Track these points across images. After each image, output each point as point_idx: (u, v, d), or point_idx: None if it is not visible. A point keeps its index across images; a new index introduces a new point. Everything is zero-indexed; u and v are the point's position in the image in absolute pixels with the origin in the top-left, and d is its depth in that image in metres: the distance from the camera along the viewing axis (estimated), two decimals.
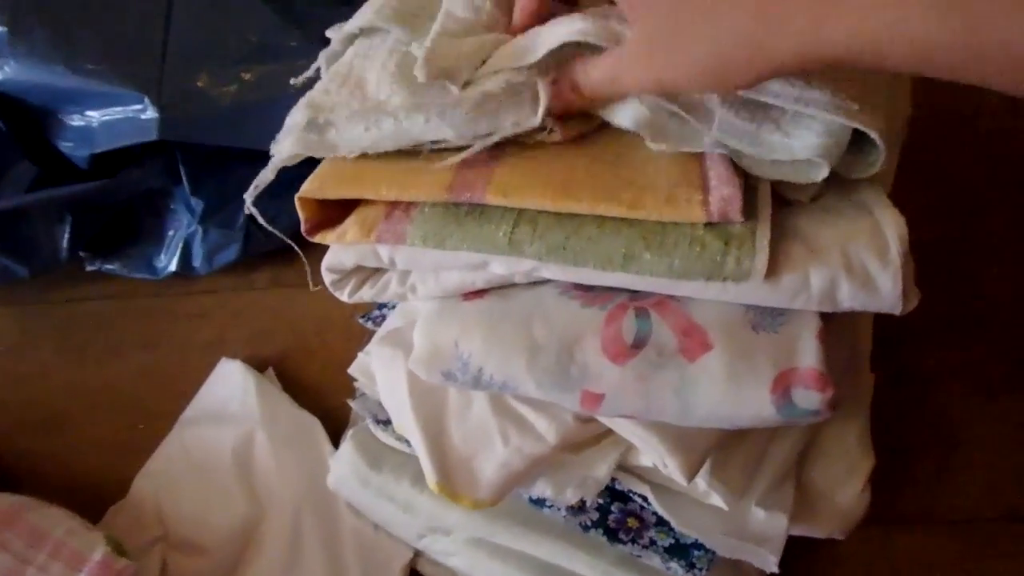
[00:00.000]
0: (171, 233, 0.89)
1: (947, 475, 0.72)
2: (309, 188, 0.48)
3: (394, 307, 0.68)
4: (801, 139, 0.42)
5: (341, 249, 0.51)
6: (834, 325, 0.47)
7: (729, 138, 0.43)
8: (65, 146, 0.83)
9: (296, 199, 0.48)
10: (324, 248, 0.52)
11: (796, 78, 0.41)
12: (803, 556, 0.59)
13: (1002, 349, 0.77)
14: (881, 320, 0.65)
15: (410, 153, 0.48)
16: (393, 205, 0.48)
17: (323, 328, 0.89)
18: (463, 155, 0.45)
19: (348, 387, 0.71)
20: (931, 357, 0.76)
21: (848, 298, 0.44)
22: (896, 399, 0.69)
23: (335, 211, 0.50)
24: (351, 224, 0.49)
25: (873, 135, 0.42)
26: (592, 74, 0.44)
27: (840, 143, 0.43)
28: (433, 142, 0.46)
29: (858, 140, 0.43)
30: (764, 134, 0.43)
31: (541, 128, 0.46)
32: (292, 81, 0.55)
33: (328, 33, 0.57)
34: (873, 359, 0.66)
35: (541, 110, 0.44)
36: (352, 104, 0.46)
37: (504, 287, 0.51)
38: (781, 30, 0.36)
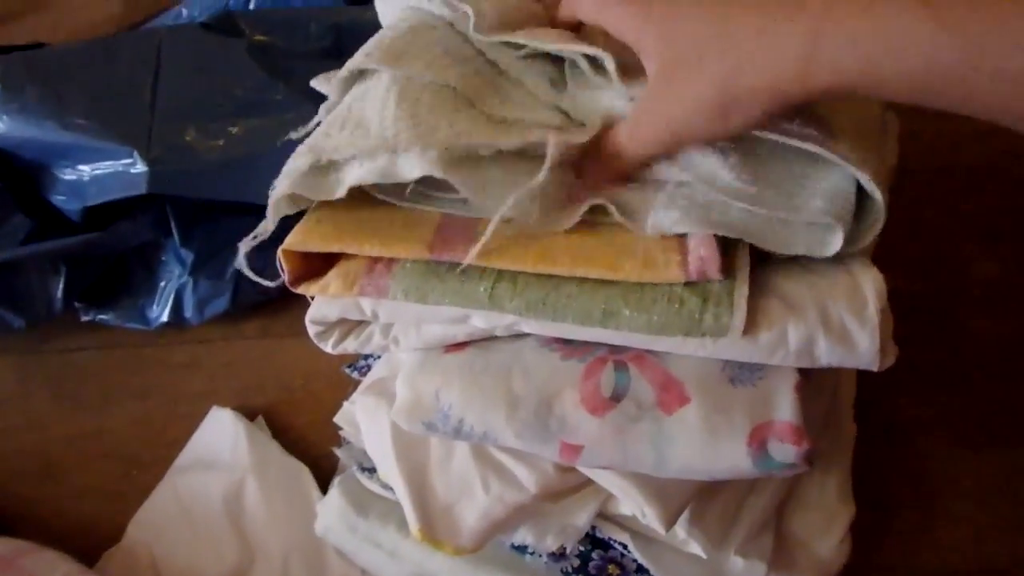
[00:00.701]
0: (163, 284, 0.90)
1: (928, 527, 0.72)
2: (292, 241, 0.49)
3: (379, 357, 0.69)
4: (807, 200, 0.44)
5: (325, 302, 0.52)
6: (815, 376, 0.49)
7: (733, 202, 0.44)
8: (58, 200, 0.85)
9: (279, 252, 0.49)
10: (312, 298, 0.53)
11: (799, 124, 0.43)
12: None
13: (984, 402, 0.77)
14: (863, 372, 0.66)
15: (394, 207, 0.49)
16: (375, 259, 0.49)
17: (311, 378, 0.90)
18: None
19: (335, 436, 0.72)
20: (913, 409, 0.77)
21: (826, 354, 0.45)
22: (877, 451, 0.69)
23: (318, 263, 0.51)
24: (333, 277, 0.50)
25: (874, 189, 0.43)
26: (619, 136, 0.45)
27: (848, 199, 0.44)
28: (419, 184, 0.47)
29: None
30: (769, 195, 0.44)
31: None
32: (292, 135, 0.56)
33: (313, 83, 0.59)
34: (855, 411, 0.67)
35: (545, 169, 0.45)
36: (357, 143, 0.46)
37: (485, 339, 0.52)
38: (780, 55, 0.37)
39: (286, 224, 0.50)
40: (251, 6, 0.91)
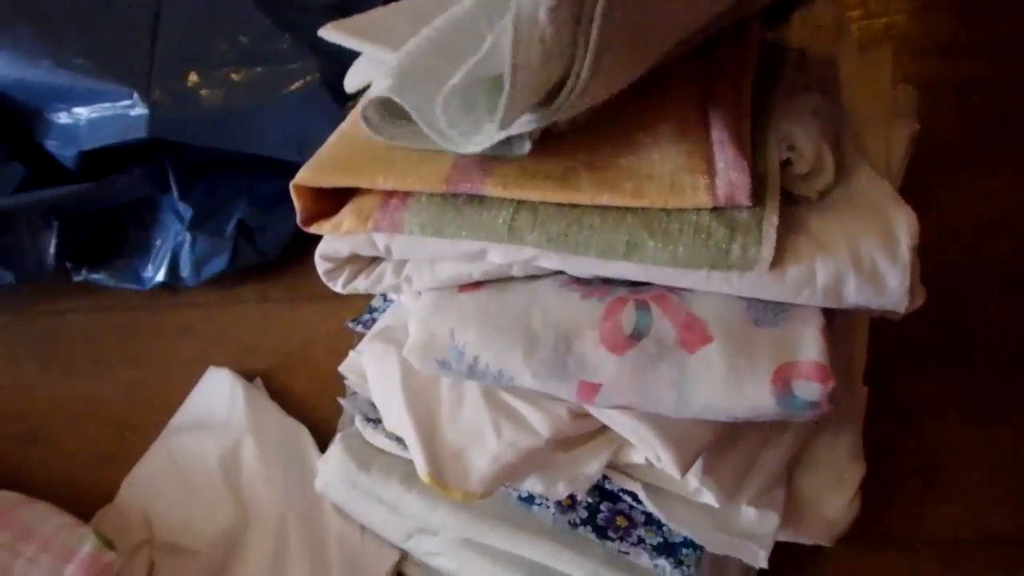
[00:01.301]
0: (159, 243, 0.88)
1: (932, 498, 0.72)
2: (304, 176, 0.47)
3: (384, 312, 0.68)
4: None
5: (336, 238, 0.50)
6: (833, 330, 0.48)
7: None
8: (52, 145, 0.83)
9: (291, 187, 0.48)
10: (312, 263, 0.52)
11: None
12: (784, 565, 0.60)
13: (990, 379, 0.77)
14: (871, 346, 0.66)
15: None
16: (390, 194, 0.48)
17: (309, 343, 0.89)
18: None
19: (333, 401, 0.71)
20: (920, 384, 0.77)
21: (854, 293, 0.44)
22: (884, 424, 0.69)
23: (330, 202, 0.49)
24: (347, 213, 0.48)
25: None
26: None
27: None
28: None
29: None
30: None
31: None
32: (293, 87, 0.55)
33: (322, 32, 0.58)
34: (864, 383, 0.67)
35: None
36: None
37: (500, 280, 0.51)
38: None
39: (287, 182, 0.49)
40: None
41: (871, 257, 0.43)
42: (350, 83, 0.60)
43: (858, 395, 0.65)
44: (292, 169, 0.60)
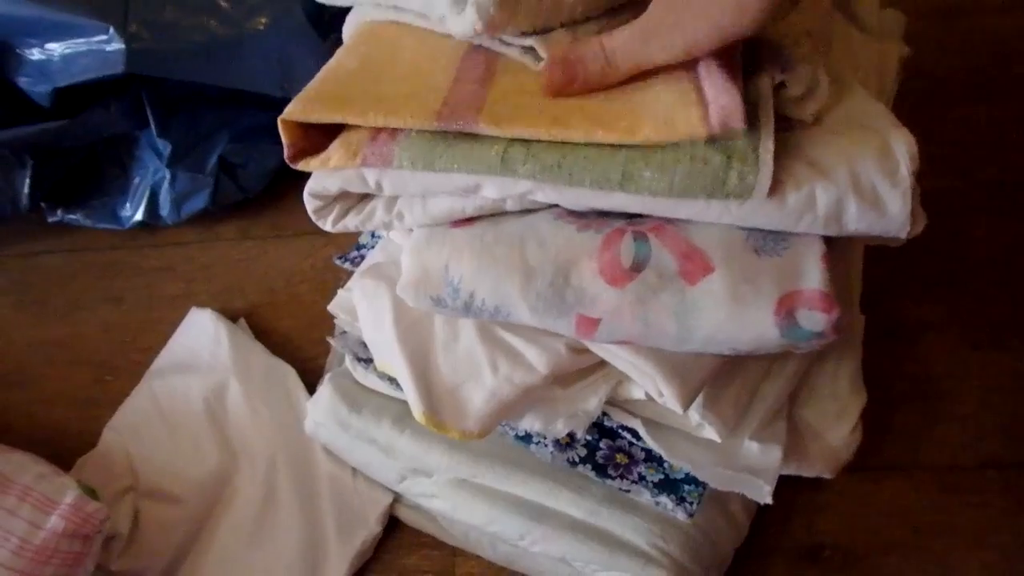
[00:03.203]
0: (137, 181, 0.86)
1: (930, 425, 0.73)
2: (292, 110, 0.46)
3: (372, 248, 0.66)
4: None
5: (325, 174, 0.49)
6: (832, 258, 0.47)
7: None
8: (24, 82, 0.80)
9: (279, 122, 0.46)
10: (295, 199, 0.50)
11: None
12: (786, 499, 0.59)
13: (987, 303, 0.77)
14: (866, 272, 0.66)
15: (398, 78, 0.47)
16: (379, 128, 0.46)
17: (293, 281, 0.87)
18: None
19: (320, 340, 0.70)
20: (916, 309, 0.77)
21: (855, 219, 0.43)
22: (881, 351, 0.69)
23: (319, 138, 0.48)
24: (335, 148, 0.47)
25: None
26: (617, 38, 0.43)
27: None
28: None
29: None
30: None
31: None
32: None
33: None
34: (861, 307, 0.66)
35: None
36: None
37: (495, 215, 0.50)
38: None
39: (274, 118, 0.47)
40: None
41: (871, 181, 0.42)
42: None
43: (856, 324, 0.65)
44: (274, 103, 0.58)
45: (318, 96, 0.47)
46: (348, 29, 0.58)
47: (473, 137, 0.44)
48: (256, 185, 0.87)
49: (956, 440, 0.71)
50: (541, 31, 0.46)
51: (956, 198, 0.83)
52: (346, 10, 0.58)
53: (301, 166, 0.48)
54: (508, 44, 0.47)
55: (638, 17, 0.42)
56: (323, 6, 0.59)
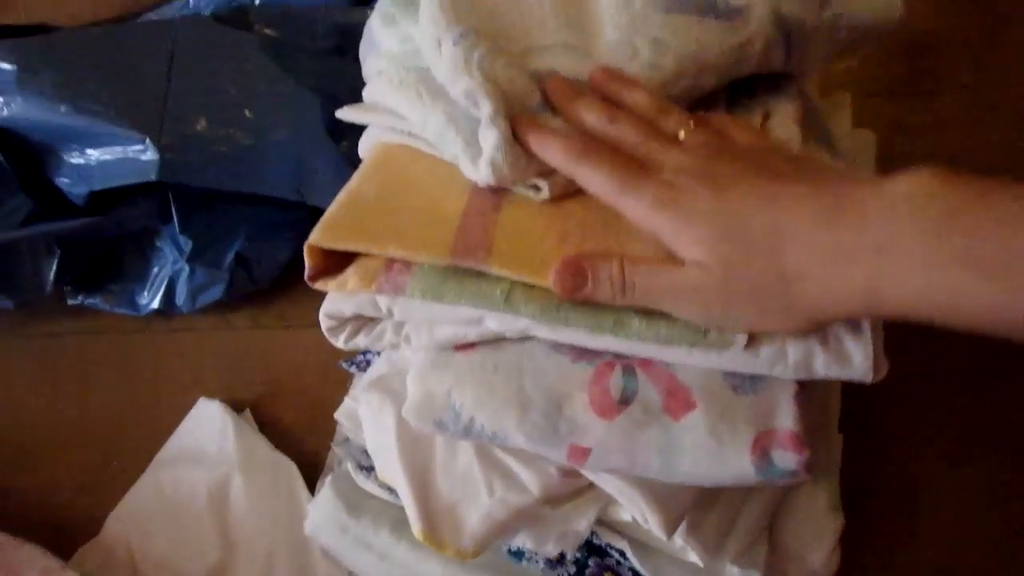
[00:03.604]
0: (156, 270, 0.89)
1: (908, 537, 0.74)
2: (318, 238, 0.49)
3: (378, 354, 0.69)
4: None
5: (340, 297, 0.52)
6: (807, 386, 0.49)
7: None
8: (63, 183, 0.85)
9: (305, 247, 0.49)
10: (304, 291, 0.53)
11: None
12: None
13: (965, 416, 0.78)
14: (847, 385, 0.67)
15: (415, 206, 0.50)
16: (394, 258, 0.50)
17: (300, 371, 0.89)
18: None
19: (324, 431, 0.72)
20: (895, 421, 0.78)
21: (823, 368, 0.46)
22: (859, 462, 0.70)
23: (336, 259, 0.51)
24: (352, 274, 0.50)
25: None
26: (641, 273, 0.45)
27: None
28: None
29: None
30: None
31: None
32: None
33: (340, 114, 0.60)
34: (840, 422, 0.68)
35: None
36: None
37: (495, 340, 0.53)
38: (839, 299, 0.41)
39: (288, 216, 0.50)
40: (257, 1, 0.91)
41: (837, 335, 0.46)
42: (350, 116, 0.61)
43: (834, 443, 0.67)
44: (288, 203, 0.59)
45: (340, 225, 0.50)
46: (364, 145, 0.61)
47: (481, 275, 0.48)
48: (268, 277, 0.90)
49: (933, 553, 0.73)
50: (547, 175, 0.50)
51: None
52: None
53: (319, 286, 0.51)
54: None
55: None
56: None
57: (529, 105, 0.50)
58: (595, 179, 0.46)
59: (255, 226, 0.87)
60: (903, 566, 0.73)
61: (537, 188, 0.49)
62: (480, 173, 0.48)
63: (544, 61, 0.52)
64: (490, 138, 0.47)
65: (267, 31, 0.85)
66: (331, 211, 0.51)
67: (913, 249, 0.37)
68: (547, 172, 0.49)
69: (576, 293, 0.45)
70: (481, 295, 0.47)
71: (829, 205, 0.40)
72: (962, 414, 0.79)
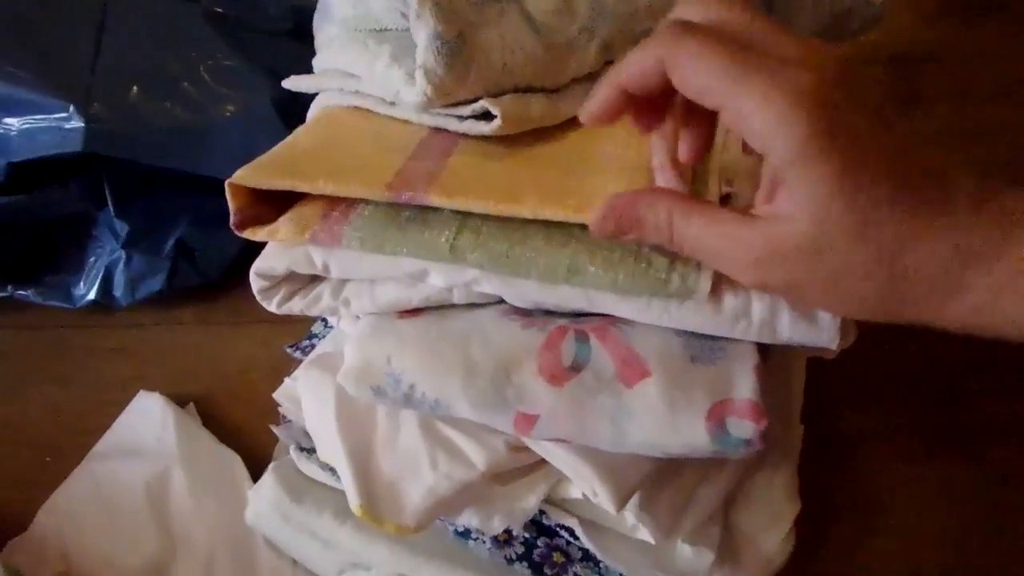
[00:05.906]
0: (92, 260, 0.85)
1: (864, 537, 0.73)
2: (242, 175, 0.47)
3: (323, 339, 0.66)
4: None
5: (273, 253, 0.50)
6: (770, 368, 0.48)
7: None
8: None
9: (226, 185, 0.47)
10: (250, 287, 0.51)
11: None
12: None
13: (924, 416, 0.78)
14: (808, 383, 0.67)
15: (358, 150, 0.49)
16: (331, 205, 0.47)
17: (248, 369, 0.86)
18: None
19: (271, 429, 0.69)
20: (854, 421, 0.78)
21: (788, 328, 0.44)
22: (817, 461, 0.70)
23: (270, 210, 0.49)
24: (285, 221, 0.48)
25: None
26: (694, 232, 0.39)
27: None
28: None
29: None
30: None
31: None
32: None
33: (287, 84, 0.59)
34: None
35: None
36: None
37: (441, 308, 0.51)
38: (908, 307, 0.38)
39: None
40: None
41: None
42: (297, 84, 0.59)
43: (795, 434, 0.66)
44: None
45: (270, 163, 0.48)
46: (312, 113, 0.59)
47: (424, 223, 0.46)
48: (215, 271, 0.87)
49: (888, 554, 0.72)
50: (492, 95, 0.48)
51: None
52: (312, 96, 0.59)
53: (248, 234, 0.48)
54: (462, 117, 0.49)
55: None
56: (292, 96, 0.60)
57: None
58: (702, 61, 0.34)
59: (200, 213, 0.83)
60: (862, 566, 0.72)
61: (489, 116, 0.47)
62: (417, 87, 0.46)
63: None
64: (421, 36, 0.45)
65: (215, 7, 0.81)
66: (262, 156, 0.49)
67: None
68: (490, 89, 0.47)
69: (618, 236, 0.41)
70: (424, 244, 0.45)
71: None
72: (920, 415, 0.78)
